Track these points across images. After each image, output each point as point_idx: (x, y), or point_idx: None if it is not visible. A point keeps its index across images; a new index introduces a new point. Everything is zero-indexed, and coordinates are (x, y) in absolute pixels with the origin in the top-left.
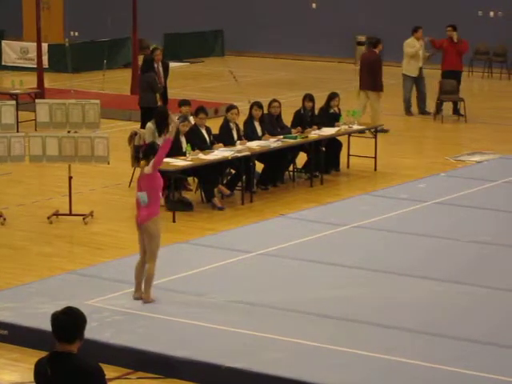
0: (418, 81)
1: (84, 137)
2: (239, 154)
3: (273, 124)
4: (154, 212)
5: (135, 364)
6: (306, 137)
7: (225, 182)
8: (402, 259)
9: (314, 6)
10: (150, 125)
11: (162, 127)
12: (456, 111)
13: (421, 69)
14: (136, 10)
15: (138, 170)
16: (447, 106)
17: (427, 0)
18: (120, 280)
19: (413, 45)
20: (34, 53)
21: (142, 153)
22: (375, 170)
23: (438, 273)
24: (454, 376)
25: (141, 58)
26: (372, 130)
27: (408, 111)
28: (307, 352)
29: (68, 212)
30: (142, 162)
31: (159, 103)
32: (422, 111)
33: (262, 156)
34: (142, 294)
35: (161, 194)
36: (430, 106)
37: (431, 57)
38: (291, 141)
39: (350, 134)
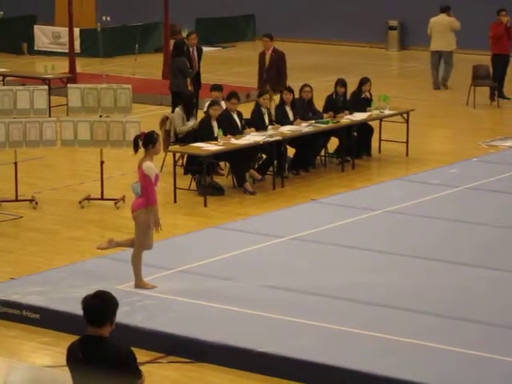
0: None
1: (116, 121)
2: (271, 139)
3: (304, 109)
4: (145, 203)
5: (166, 348)
6: (338, 122)
7: (256, 166)
8: (432, 244)
9: None
10: (178, 110)
11: (189, 111)
12: (493, 96)
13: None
14: None
15: (169, 155)
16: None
17: None
18: (151, 264)
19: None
20: (66, 38)
21: (142, 142)
22: (407, 155)
23: (469, 257)
24: (478, 359)
25: (172, 43)
26: (403, 115)
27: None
28: (338, 337)
29: (100, 196)
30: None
31: (190, 88)
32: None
33: (294, 141)
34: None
35: (156, 187)
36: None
37: None
38: (323, 126)
39: (381, 119)
